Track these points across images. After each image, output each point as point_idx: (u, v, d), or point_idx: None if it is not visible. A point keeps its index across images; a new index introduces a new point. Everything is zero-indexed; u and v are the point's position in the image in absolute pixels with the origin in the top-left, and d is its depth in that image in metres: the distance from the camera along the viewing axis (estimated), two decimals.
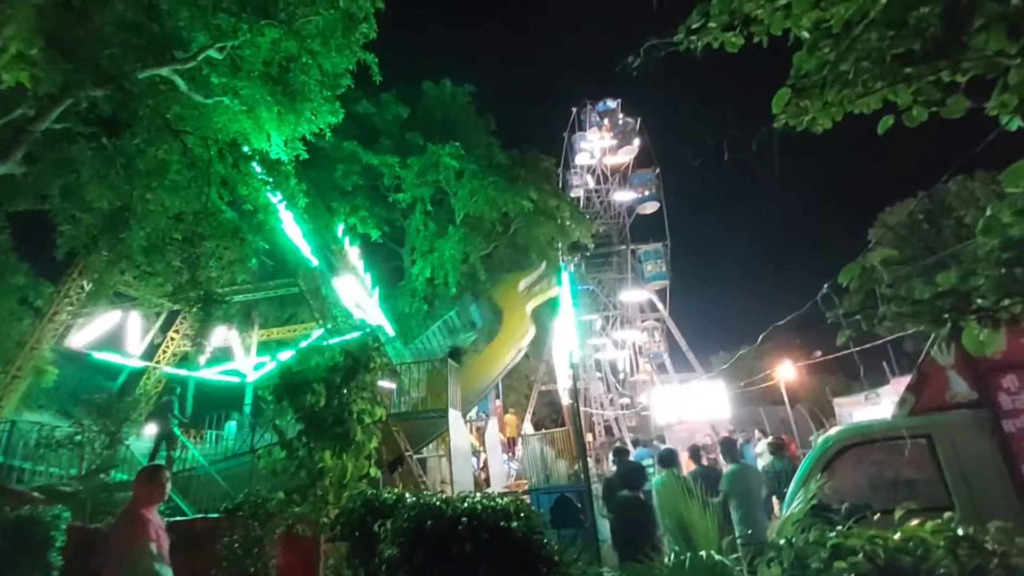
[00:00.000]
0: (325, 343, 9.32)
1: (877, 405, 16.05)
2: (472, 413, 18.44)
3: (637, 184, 37.40)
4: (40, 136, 7.84)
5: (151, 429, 12.71)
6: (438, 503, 3.65)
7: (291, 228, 15.60)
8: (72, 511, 7.54)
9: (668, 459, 7.03)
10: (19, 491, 8.74)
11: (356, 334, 12.58)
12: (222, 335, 19.63)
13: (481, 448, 17.27)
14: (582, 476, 8.66)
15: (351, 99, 16.41)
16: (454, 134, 20.77)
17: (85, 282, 14.20)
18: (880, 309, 2.50)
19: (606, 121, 38.19)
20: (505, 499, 3.61)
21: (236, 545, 6.04)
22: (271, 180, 11.18)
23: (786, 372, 19.60)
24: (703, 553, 2.82)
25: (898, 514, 2.13)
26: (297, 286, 16.77)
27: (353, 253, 18.10)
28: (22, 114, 7.45)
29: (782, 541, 2.36)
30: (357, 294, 16.97)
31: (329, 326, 15.17)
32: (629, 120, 37.79)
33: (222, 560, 5.95)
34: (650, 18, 3.05)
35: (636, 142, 36.85)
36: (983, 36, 2.02)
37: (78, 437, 9.76)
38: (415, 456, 12.71)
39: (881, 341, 10.79)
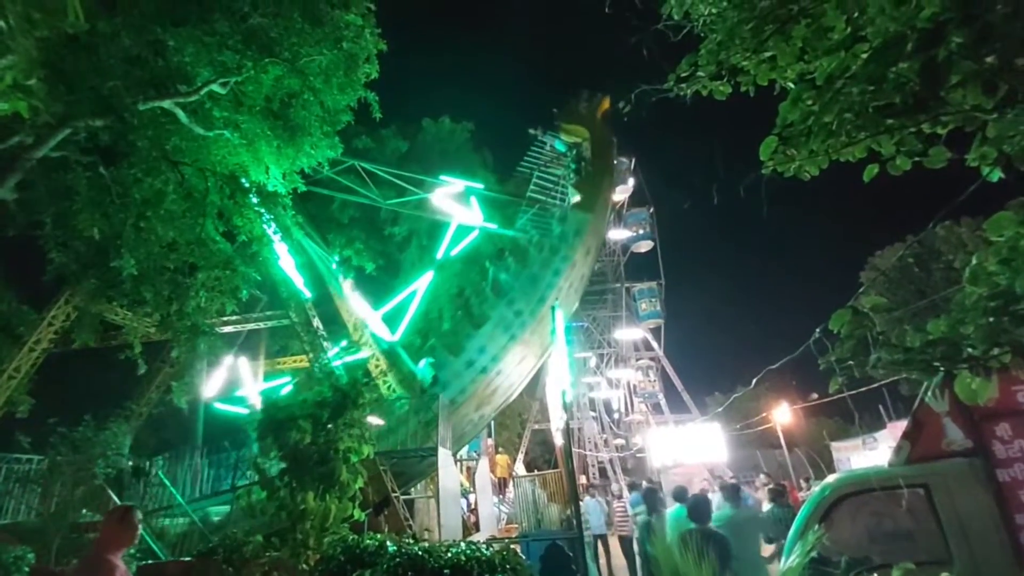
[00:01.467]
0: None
1: (875, 450, 15.83)
2: (463, 452, 18.01)
3: (632, 223, 37.90)
4: (35, 163, 7.85)
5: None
6: (420, 552, 3.49)
7: (285, 260, 15.58)
8: (37, 552, 7.17)
9: (653, 497, 6.90)
10: None
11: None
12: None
13: (471, 489, 16.78)
14: (575, 522, 8.38)
15: (350, 134, 16.75)
16: (451, 169, 21.11)
17: (71, 309, 14.02)
18: (872, 356, 2.47)
19: None
20: (492, 549, 3.46)
21: None
22: (266, 212, 11.21)
23: (782, 415, 19.37)
24: None
25: (896, 574, 2.04)
26: (288, 318, 16.63)
27: (347, 286, 18.06)
28: (19, 141, 7.49)
29: None
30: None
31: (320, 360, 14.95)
32: (623, 160, 38.55)
33: None
34: (643, 64, 3.14)
35: (630, 181, 37.48)
36: (960, 91, 2.08)
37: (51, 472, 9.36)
38: (402, 497, 12.31)
39: (876, 385, 10.74)
